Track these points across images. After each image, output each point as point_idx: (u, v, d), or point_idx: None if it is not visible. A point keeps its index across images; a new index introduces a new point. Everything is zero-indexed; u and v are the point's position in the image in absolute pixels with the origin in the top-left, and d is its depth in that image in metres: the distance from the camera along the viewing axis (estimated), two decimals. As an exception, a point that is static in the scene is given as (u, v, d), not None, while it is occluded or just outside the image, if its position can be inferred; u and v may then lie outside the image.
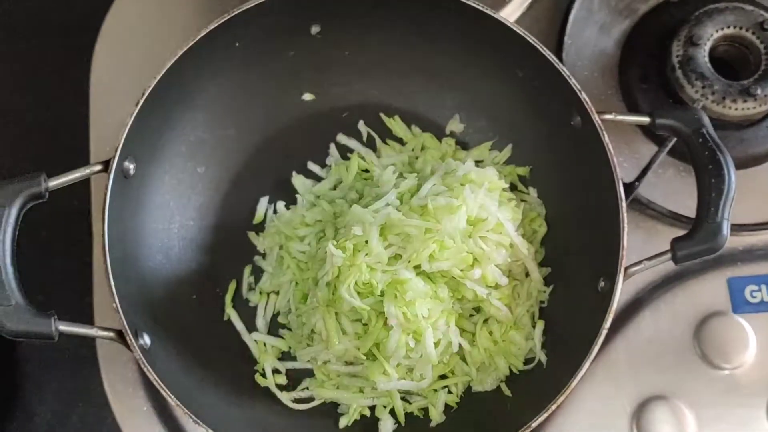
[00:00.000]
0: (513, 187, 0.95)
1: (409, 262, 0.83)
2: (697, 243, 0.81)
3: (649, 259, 0.82)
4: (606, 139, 0.83)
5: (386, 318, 0.83)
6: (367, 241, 0.83)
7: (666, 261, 0.82)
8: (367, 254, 0.82)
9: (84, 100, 1.04)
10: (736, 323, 0.95)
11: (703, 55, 0.99)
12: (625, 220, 0.82)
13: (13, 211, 0.78)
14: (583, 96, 0.85)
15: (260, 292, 0.93)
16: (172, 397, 0.78)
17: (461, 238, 0.84)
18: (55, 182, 0.81)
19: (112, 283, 0.80)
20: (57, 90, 1.09)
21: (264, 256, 0.95)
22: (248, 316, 0.93)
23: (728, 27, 1.00)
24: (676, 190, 0.99)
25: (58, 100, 1.09)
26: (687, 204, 0.97)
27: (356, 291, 0.83)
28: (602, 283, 0.83)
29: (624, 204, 0.82)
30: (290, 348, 0.92)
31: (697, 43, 0.99)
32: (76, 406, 1.00)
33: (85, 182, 0.93)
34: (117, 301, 0.80)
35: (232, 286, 0.93)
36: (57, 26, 1.12)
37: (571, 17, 1.04)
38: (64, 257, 1.03)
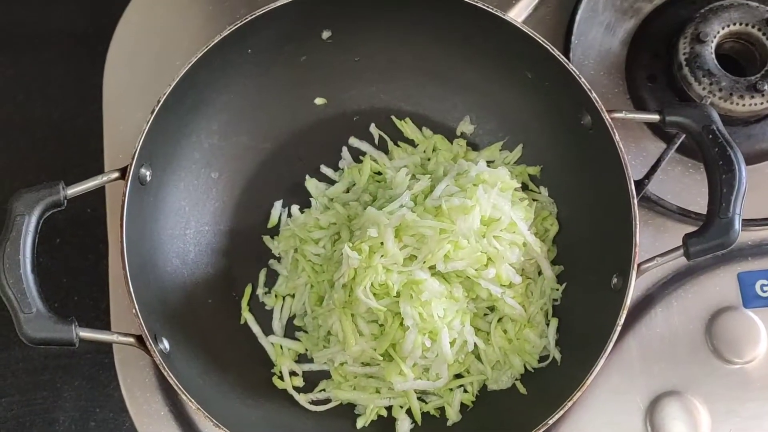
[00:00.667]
0: (524, 187, 0.95)
1: (425, 262, 0.84)
2: (710, 239, 0.81)
3: (662, 255, 0.83)
4: (617, 137, 0.84)
5: (402, 319, 0.83)
6: (382, 243, 0.84)
7: (678, 257, 0.83)
8: (382, 255, 0.83)
9: (97, 108, 1.05)
10: (747, 318, 0.95)
11: (709, 52, 0.99)
12: (637, 217, 0.82)
13: (33, 219, 0.79)
14: (593, 95, 0.85)
15: (276, 296, 0.94)
16: (192, 400, 0.79)
17: (475, 238, 0.84)
18: (74, 190, 0.82)
19: (131, 288, 0.81)
20: (70, 99, 1.10)
21: (279, 259, 0.95)
22: (264, 319, 0.94)
23: (734, 24, 1.00)
24: (684, 187, 1.00)
25: (72, 109, 1.10)
26: (696, 201, 0.98)
27: (372, 292, 0.84)
28: (615, 280, 0.84)
29: (635, 201, 0.83)
30: (306, 350, 0.92)
31: (703, 41, 0.99)
32: (94, 411, 1.00)
33: (98, 191, 0.95)
34: (136, 306, 0.80)
35: (248, 290, 0.94)
36: (69, 35, 1.13)
37: (577, 18, 1.05)
38: (79, 265, 1.04)
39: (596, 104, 0.85)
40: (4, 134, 1.11)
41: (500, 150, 0.97)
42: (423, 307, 0.83)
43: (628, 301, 0.81)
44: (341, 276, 0.85)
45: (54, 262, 1.03)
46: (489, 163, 0.95)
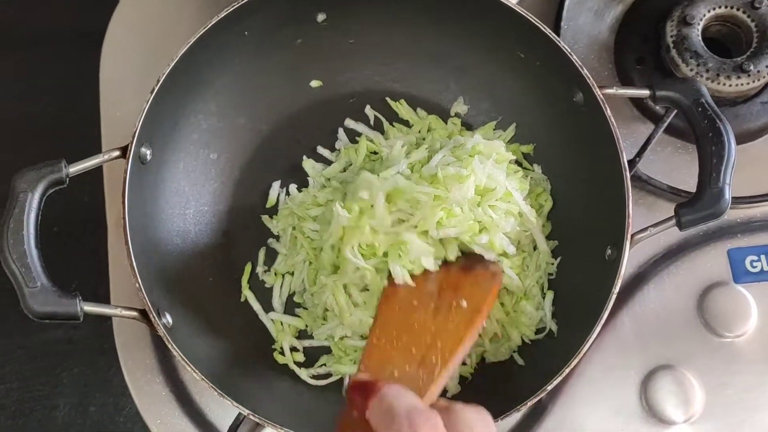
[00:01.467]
0: (518, 165, 0.97)
1: (416, 227, 0.84)
2: (701, 208, 0.83)
3: (655, 225, 0.85)
4: (608, 112, 0.86)
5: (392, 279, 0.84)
6: (372, 205, 0.84)
7: (671, 227, 0.84)
8: (371, 218, 0.84)
9: (94, 98, 1.06)
10: (737, 293, 0.97)
11: (696, 34, 1.01)
12: (630, 188, 0.84)
13: (36, 196, 0.80)
14: (585, 72, 0.87)
15: (275, 273, 0.95)
16: (197, 371, 0.80)
17: (469, 206, 0.85)
18: (75, 168, 0.83)
19: (134, 262, 0.81)
20: (67, 90, 1.12)
21: (278, 238, 0.96)
22: (265, 296, 0.94)
23: (719, 7, 1.02)
24: (674, 166, 1.02)
25: (69, 100, 1.11)
26: (686, 180, 1.00)
27: (360, 253, 0.84)
28: (609, 251, 0.86)
29: (628, 174, 0.84)
30: (307, 326, 0.93)
31: (690, 23, 1.01)
32: (94, 396, 1.01)
33: (94, 177, 0.96)
34: (140, 280, 0.81)
35: (248, 268, 0.95)
36: (64, 27, 1.14)
37: (566, 4, 1.07)
38: (77, 252, 1.05)
39: (588, 80, 0.87)
40: (3, 127, 1.12)
41: (494, 129, 0.98)
42: (413, 263, 0.84)
43: (623, 269, 0.82)
44: (330, 236, 0.86)
45: (52, 250, 1.04)
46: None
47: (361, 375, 0.75)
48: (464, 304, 0.81)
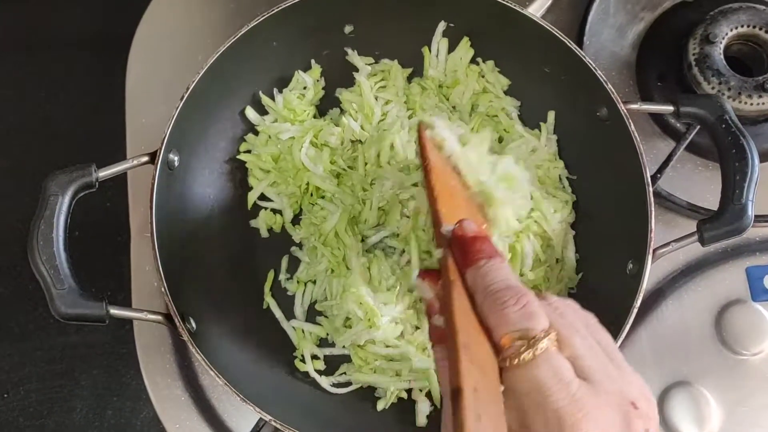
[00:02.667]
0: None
1: None
2: (723, 224, 0.83)
3: (677, 240, 0.85)
4: (632, 127, 0.86)
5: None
6: None
7: (693, 242, 0.85)
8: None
9: (120, 104, 1.07)
10: (755, 311, 0.98)
11: (718, 52, 1.02)
12: (652, 203, 0.84)
13: (66, 199, 0.81)
14: (609, 87, 0.88)
15: (297, 281, 0.95)
16: (220, 376, 0.80)
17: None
18: (105, 172, 0.84)
19: (161, 267, 0.82)
20: (93, 96, 1.12)
21: (300, 246, 0.97)
22: (287, 304, 0.95)
23: (742, 26, 1.03)
24: (694, 183, 1.02)
25: (95, 106, 1.11)
26: (705, 197, 1.00)
27: None
28: (630, 266, 0.86)
29: (650, 188, 0.85)
30: (327, 334, 0.94)
31: (712, 41, 1.02)
32: (111, 400, 1.01)
33: (116, 183, 0.96)
34: (165, 284, 0.82)
35: (270, 275, 0.95)
36: (91, 34, 1.15)
37: (588, 19, 1.08)
38: (96, 254, 1.05)
39: (612, 96, 0.88)
40: (29, 130, 1.12)
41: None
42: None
43: (645, 284, 0.83)
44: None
45: (75, 254, 1.04)
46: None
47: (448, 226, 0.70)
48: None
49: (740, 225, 0.83)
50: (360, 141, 0.97)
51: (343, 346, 0.92)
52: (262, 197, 0.98)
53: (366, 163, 0.94)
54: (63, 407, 1.02)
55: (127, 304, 0.99)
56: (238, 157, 0.97)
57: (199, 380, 0.97)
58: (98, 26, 1.16)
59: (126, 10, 1.12)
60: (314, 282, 0.95)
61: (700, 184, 1.03)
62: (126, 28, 1.10)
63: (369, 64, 0.99)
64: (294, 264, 0.97)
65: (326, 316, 0.94)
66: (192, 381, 0.97)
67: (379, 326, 0.87)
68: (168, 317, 0.82)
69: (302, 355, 0.92)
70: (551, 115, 0.97)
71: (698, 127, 0.91)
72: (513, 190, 0.83)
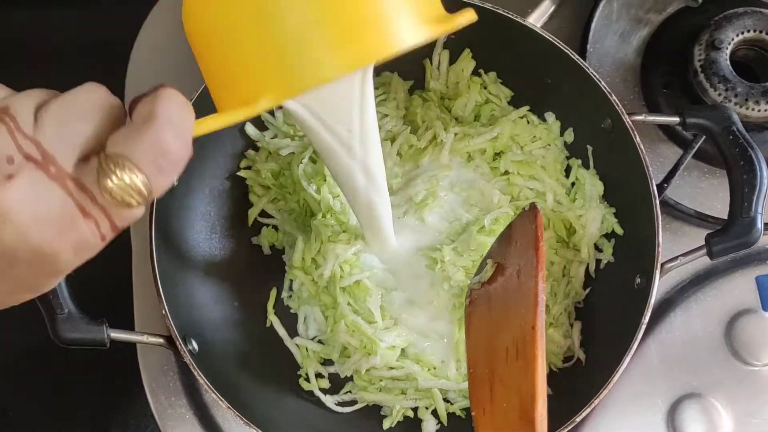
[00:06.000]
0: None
1: None
2: (732, 237, 0.82)
3: (685, 254, 0.84)
4: (637, 139, 0.85)
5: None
6: None
7: (701, 256, 0.84)
8: None
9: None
10: (765, 321, 0.96)
11: (724, 58, 1.01)
12: (659, 217, 0.83)
13: (65, 221, 0.80)
14: (613, 98, 0.87)
15: (299, 298, 0.94)
16: (222, 399, 0.79)
17: None
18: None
19: (161, 289, 0.81)
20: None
21: (301, 264, 0.96)
22: (290, 322, 0.94)
23: (747, 31, 1.02)
24: (701, 191, 1.01)
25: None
26: (713, 205, 0.99)
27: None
28: (639, 280, 0.85)
29: (657, 201, 0.84)
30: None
31: (718, 47, 1.01)
32: (115, 417, 1.01)
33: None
34: (165, 306, 0.81)
35: (273, 293, 0.94)
36: (91, 44, 1.14)
37: (592, 26, 1.07)
38: (95, 275, 1.04)
39: (616, 107, 0.87)
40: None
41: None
42: None
43: (653, 299, 0.82)
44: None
45: (73, 277, 1.04)
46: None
47: None
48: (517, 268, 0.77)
49: (749, 238, 0.82)
50: None
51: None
52: (263, 214, 0.97)
53: None
54: (66, 425, 1.02)
55: (129, 326, 0.98)
56: (238, 173, 0.96)
57: (203, 398, 0.96)
58: (98, 33, 1.15)
59: (126, 17, 1.11)
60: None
61: (707, 192, 1.01)
62: (126, 35, 1.09)
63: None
64: (297, 281, 0.96)
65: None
66: (196, 398, 0.96)
67: (377, 353, 0.86)
68: (169, 340, 0.81)
69: (306, 374, 0.91)
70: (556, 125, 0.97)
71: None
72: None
